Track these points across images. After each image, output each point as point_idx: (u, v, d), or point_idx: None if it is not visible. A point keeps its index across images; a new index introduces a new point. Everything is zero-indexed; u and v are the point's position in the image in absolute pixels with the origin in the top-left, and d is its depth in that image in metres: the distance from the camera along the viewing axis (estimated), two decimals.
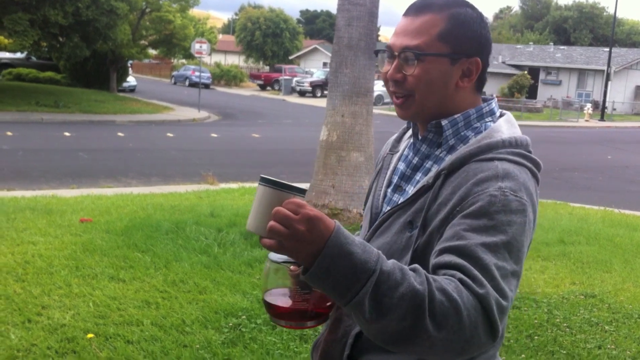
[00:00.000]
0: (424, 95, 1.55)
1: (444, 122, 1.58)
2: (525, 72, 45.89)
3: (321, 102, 34.47)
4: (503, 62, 50.91)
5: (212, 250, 6.44)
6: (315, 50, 57.64)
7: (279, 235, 1.24)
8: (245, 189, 11.05)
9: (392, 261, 1.28)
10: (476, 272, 1.27)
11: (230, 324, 4.61)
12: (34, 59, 35.72)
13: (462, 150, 1.52)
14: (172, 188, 10.99)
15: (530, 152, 1.55)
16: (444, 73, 1.54)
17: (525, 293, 5.74)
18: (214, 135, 20.27)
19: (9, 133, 17.01)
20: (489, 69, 1.67)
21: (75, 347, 4.14)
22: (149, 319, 4.64)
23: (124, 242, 6.59)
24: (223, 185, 11.51)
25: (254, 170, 13.77)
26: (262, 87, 50.29)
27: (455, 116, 1.58)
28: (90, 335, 4.29)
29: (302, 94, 43.21)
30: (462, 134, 1.59)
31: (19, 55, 35.75)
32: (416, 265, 1.30)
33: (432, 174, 1.54)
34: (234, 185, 11.48)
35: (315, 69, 50.06)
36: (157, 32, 33.68)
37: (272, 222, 1.24)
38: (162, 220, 7.55)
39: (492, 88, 43.27)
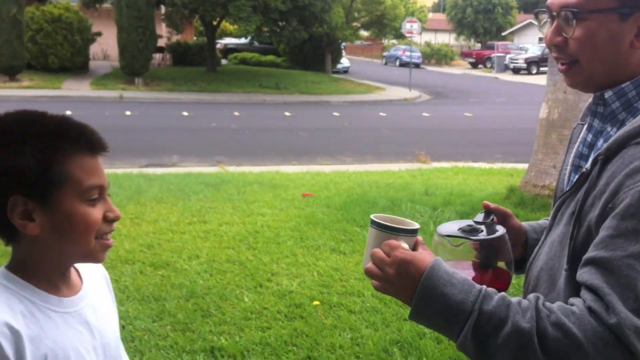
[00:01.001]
0: (589, 61, 1.32)
1: (607, 95, 1.33)
2: None
3: (537, 80, 32.96)
4: None
5: (427, 228, 6.47)
6: (529, 25, 54.99)
7: (373, 277, 1.27)
8: (459, 168, 10.93)
9: (499, 296, 1.19)
10: (611, 298, 1.12)
11: None
12: (256, 43, 38.04)
13: (621, 130, 1.27)
14: (385, 166, 11.19)
15: None
16: (613, 32, 1.28)
17: None
18: (425, 114, 20.25)
19: (236, 113, 18.35)
20: None
21: (302, 312, 4.39)
22: (370, 291, 4.79)
23: (343, 216, 6.86)
24: (436, 164, 11.48)
25: (467, 149, 13.56)
26: (474, 65, 49.18)
27: (623, 85, 1.32)
28: (316, 303, 4.54)
29: (516, 71, 41.57)
30: (635, 105, 1.32)
31: (242, 40, 38.32)
32: (533, 296, 1.21)
33: (591, 158, 1.33)
34: (446, 165, 11.40)
35: (530, 44, 47.86)
36: (369, 14, 34.27)
37: (369, 264, 1.28)
38: (377, 197, 7.73)
39: None
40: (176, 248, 5.68)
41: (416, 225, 1.33)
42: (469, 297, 1.19)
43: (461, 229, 1.45)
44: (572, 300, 1.21)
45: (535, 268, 1.44)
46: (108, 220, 1.28)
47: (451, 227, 1.47)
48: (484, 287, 1.22)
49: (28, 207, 1.21)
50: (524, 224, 1.64)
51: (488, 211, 1.54)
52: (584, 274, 1.19)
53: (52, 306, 1.25)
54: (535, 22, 1.48)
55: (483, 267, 1.46)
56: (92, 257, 1.29)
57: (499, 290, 1.30)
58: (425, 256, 1.26)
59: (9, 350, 1.13)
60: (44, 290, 1.26)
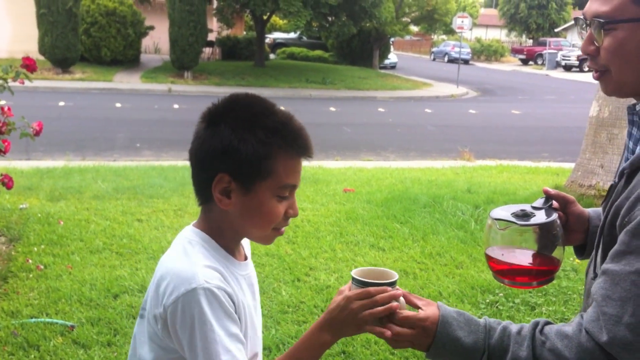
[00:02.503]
0: (619, 70, 1.29)
1: (638, 107, 1.33)
2: None
3: (588, 77, 32.16)
4: None
5: (468, 226, 6.43)
6: None
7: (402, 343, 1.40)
8: (503, 166, 10.79)
9: (501, 328, 1.33)
10: (606, 317, 1.19)
11: (487, 301, 4.58)
12: (304, 38, 38.14)
13: None
14: (428, 163, 11.12)
15: None
16: None
17: None
18: (471, 111, 20.03)
19: (282, 108, 18.41)
20: None
21: None
22: (407, 287, 4.78)
23: (384, 212, 6.85)
24: (480, 162, 11.36)
25: (513, 147, 13.38)
26: (524, 62, 48.37)
27: None
28: None
29: (567, 68, 40.76)
30: None
31: (291, 35, 38.46)
32: (532, 323, 1.32)
33: (618, 170, 1.34)
34: (491, 163, 11.27)
35: None
36: (419, 9, 33.98)
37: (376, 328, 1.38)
38: (419, 194, 7.70)
39: None
40: None
41: (395, 277, 1.43)
42: (479, 335, 1.34)
43: (513, 213, 1.48)
44: (574, 318, 1.30)
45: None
46: (288, 215, 1.42)
47: (504, 211, 1.50)
48: (486, 319, 1.38)
49: (230, 187, 1.36)
50: (589, 210, 1.64)
51: (548, 197, 1.58)
52: (595, 285, 1.27)
53: (234, 268, 1.43)
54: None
55: (539, 251, 1.49)
56: (264, 240, 1.45)
57: (549, 274, 1.46)
58: (433, 310, 1.38)
59: (228, 299, 1.33)
60: (227, 252, 1.43)
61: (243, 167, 1.33)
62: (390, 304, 1.36)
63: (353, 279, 1.42)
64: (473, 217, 6.72)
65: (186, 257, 1.36)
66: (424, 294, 4.68)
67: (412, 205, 7.13)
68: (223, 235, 1.42)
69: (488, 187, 8.43)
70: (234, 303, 1.34)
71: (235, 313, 1.35)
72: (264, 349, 3.79)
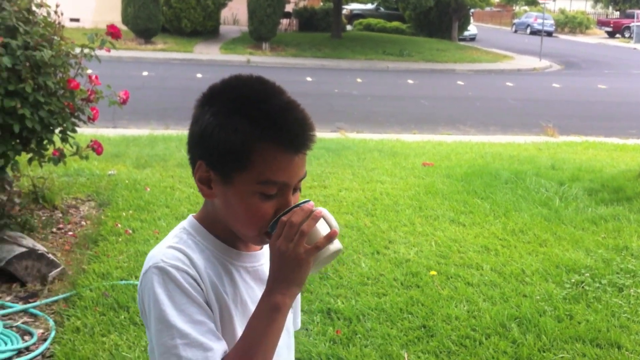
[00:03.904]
0: None
1: None
2: None
3: None
4: None
5: (552, 204, 6.26)
6: None
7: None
8: (589, 142, 10.43)
9: None
10: None
11: (573, 280, 4.46)
12: (382, 9, 37.67)
13: None
14: (510, 138, 10.86)
15: None
16: None
17: None
18: (555, 85, 19.39)
19: (359, 80, 18.35)
20: None
21: (418, 281, 4.39)
22: (489, 264, 4.71)
23: (464, 187, 6.75)
24: (564, 138, 11.02)
25: (599, 123, 12.90)
26: (610, 35, 46.32)
27: None
28: (432, 273, 4.52)
29: None
30: None
31: (369, 6, 38.04)
32: None
33: None
34: (575, 139, 10.91)
35: None
36: None
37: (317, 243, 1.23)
38: (501, 169, 7.54)
39: None
40: None
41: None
42: None
43: None
44: None
45: None
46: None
47: None
48: None
49: (209, 175, 1.26)
50: None
51: None
52: None
53: (229, 258, 1.31)
54: None
55: None
56: (253, 241, 1.33)
57: None
58: None
59: (191, 281, 1.21)
60: (224, 242, 1.31)
61: (214, 154, 1.23)
62: (312, 214, 1.20)
63: (268, 228, 1.26)
64: (557, 195, 6.54)
65: (163, 242, 1.29)
66: (506, 272, 4.59)
67: (493, 181, 6.99)
68: (216, 226, 1.30)
69: (573, 163, 8.17)
70: (201, 288, 1.22)
71: (215, 301, 1.24)
72: (345, 319, 3.82)
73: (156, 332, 1.19)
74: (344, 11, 34.71)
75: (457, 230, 5.48)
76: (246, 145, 1.20)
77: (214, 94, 1.28)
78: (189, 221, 1.34)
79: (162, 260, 1.22)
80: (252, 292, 1.32)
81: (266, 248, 1.34)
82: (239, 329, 1.26)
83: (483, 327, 3.79)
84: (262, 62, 21.20)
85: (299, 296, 1.54)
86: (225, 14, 29.75)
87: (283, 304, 1.20)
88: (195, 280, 1.22)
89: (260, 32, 22.76)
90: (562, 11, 55.61)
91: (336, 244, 1.23)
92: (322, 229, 1.22)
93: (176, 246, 1.26)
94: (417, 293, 4.20)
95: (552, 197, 6.45)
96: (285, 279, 1.20)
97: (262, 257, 1.37)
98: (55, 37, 4.46)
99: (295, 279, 1.20)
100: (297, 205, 1.23)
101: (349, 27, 34.97)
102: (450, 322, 3.84)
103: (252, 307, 1.27)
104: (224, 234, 1.31)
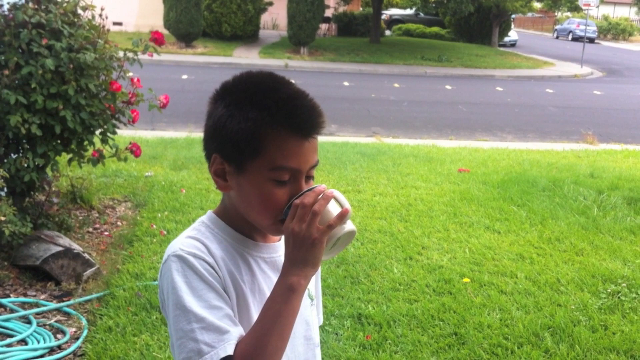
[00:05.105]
0: None
1: None
2: None
3: None
4: None
5: (590, 212, 6.16)
6: None
7: None
8: (629, 151, 10.24)
9: None
10: None
11: (609, 290, 4.38)
12: (421, 15, 37.53)
13: None
14: (548, 145, 10.71)
15: None
16: None
17: None
18: (596, 92, 19.06)
19: (396, 85, 18.28)
20: None
21: (451, 288, 4.36)
22: (523, 272, 4.66)
23: (500, 194, 6.68)
24: (604, 146, 10.83)
25: None
26: None
27: None
28: (465, 280, 4.49)
29: None
30: None
31: (408, 11, 37.94)
32: None
33: None
34: (616, 147, 10.72)
35: None
36: None
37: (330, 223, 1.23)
38: (538, 177, 7.45)
39: None
40: None
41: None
42: None
43: None
44: None
45: None
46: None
47: None
48: None
49: (225, 167, 1.29)
50: None
51: None
52: None
53: (247, 249, 1.34)
54: None
55: None
56: (269, 231, 1.34)
57: None
58: None
59: (209, 268, 1.25)
60: (242, 234, 1.35)
61: (227, 145, 1.26)
62: (323, 194, 1.22)
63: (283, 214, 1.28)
64: (596, 203, 6.43)
65: (183, 234, 1.33)
66: (541, 280, 4.53)
67: (530, 188, 6.90)
68: (233, 219, 1.33)
69: (612, 172, 8.03)
70: (219, 276, 1.25)
71: (232, 289, 1.28)
72: (376, 324, 3.81)
73: (174, 318, 1.21)
74: (383, 16, 34.65)
75: (492, 238, 5.43)
76: (257, 133, 1.24)
77: (225, 89, 1.32)
78: (207, 215, 1.37)
79: (180, 249, 1.25)
80: (270, 282, 1.33)
81: (283, 240, 1.36)
82: (256, 317, 1.28)
83: (515, 335, 3.74)
84: (300, 67, 21.27)
85: (320, 290, 1.56)
86: (265, 18, 29.95)
87: (298, 285, 1.22)
88: (212, 267, 1.25)
89: (299, 37, 22.86)
90: (606, 17, 54.65)
91: (349, 225, 1.25)
92: (334, 209, 1.24)
93: (194, 236, 1.30)
94: (449, 300, 4.17)
95: (590, 206, 6.34)
96: (299, 259, 1.22)
97: (279, 249, 1.39)
98: (99, 40, 4.54)
99: (310, 260, 1.22)
100: (309, 190, 1.25)
101: (387, 33, 34.89)
102: (482, 330, 3.81)
103: (260, 297, 1.31)
104: (242, 226, 1.34)
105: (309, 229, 1.20)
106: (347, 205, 1.25)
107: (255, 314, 1.30)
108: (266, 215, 1.28)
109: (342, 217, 1.22)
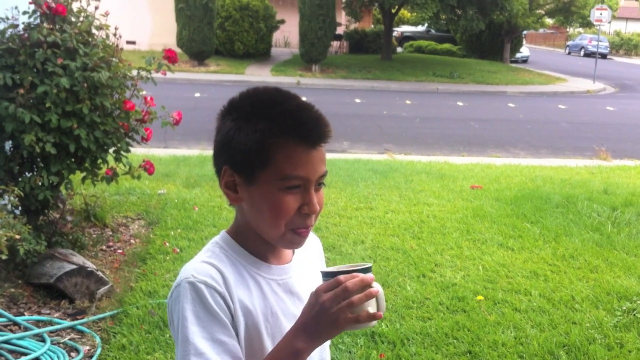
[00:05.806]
0: None
1: None
2: None
3: None
4: None
5: (604, 229, 6.12)
6: None
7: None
8: None
9: None
10: None
11: (624, 308, 4.34)
12: (433, 31, 37.62)
13: None
14: (561, 161, 10.66)
15: None
16: None
17: None
18: (609, 108, 18.99)
19: (408, 102, 18.30)
20: None
21: (465, 306, 4.34)
22: (537, 290, 4.62)
23: (513, 211, 6.65)
24: (617, 162, 10.77)
25: None
26: None
27: None
28: (479, 298, 4.46)
29: None
30: None
31: (419, 28, 38.06)
32: None
33: None
34: (630, 163, 10.66)
35: None
36: (555, 1, 32.56)
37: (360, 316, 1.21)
38: (551, 193, 7.41)
39: None
40: (342, 232, 5.82)
41: (369, 264, 1.27)
42: None
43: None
44: None
45: None
46: (303, 212, 1.28)
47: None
48: None
49: (234, 179, 1.31)
50: None
51: None
52: None
53: (260, 271, 1.35)
54: None
55: None
56: (283, 242, 1.33)
57: None
58: None
59: (218, 299, 1.25)
60: (255, 256, 1.35)
61: (237, 156, 1.28)
62: (368, 290, 1.20)
63: (322, 273, 1.27)
64: (610, 220, 6.39)
65: (197, 256, 1.33)
66: (555, 298, 4.50)
67: (543, 205, 6.87)
68: (247, 237, 1.34)
69: (627, 188, 7.98)
70: (228, 306, 1.25)
71: (242, 318, 1.27)
72: (389, 342, 3.79)
73: (178, 344, 1.24)
74: (395, 33, 34.76)
75: (506, 255, 5.39)
76: (265, 143, 1.25)
77: (233, 105, 1.35)
78: (221, 235, 1.38)
79: (192, 275, 1.26)
80: (283, 304, 1.35)
81: (295, 261, 1.40)
82: (269, 343, 1.29)
83: (530, 354, 3.71)
84: (311, 84, 21.36)
85: None
86: (277, 36, 30.14)
87: (304, 351, 1.22)
88: (223, 297, 1.25)
89: (311, 55, 22.97)
90: (618, 33, 54.62)
91: (372, 324, 1.25)
92: (370, 307, 1.22)
93: (209, 261, 1.30)
94: (463, 318, 4.14)
95: (605, 222, 6.30)
96: (315, 331, 1.21)
97: (291, 270, 1.40)
98: (114, 59, 4.59)
99: (324, 336, 1.22)
100: (361, 270, 1.23)
101: (399, 50, 34.99)
102: (496, 349, 3.77)
103: (283, 319, 1.32)
104: (255, 246, 1.35)
105: (337, 312, 1.19)
106: (384, 308, 1.25)
107: (267, 338, 1.31)
108: (277, 225, 1.28)
109: (372, 319, 1.22)
